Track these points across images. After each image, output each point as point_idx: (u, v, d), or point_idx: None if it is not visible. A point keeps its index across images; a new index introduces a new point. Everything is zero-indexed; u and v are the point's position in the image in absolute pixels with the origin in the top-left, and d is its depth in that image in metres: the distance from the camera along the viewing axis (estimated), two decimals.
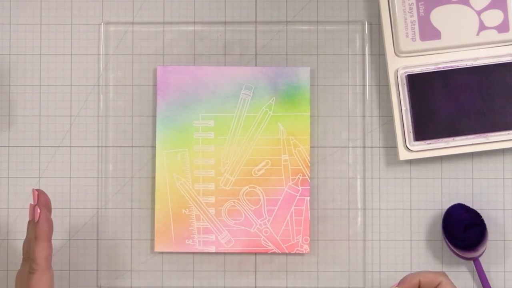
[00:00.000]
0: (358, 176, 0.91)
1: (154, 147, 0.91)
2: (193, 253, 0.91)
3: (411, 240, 0.90)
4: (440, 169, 0.91)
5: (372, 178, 0.91)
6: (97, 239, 0.91)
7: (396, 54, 0.89)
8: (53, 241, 0.90)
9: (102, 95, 0.91)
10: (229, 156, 0.90)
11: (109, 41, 0.92)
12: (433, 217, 0.91)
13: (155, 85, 0.91)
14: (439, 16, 0.89)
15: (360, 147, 0.91)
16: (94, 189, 0.91)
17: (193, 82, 0.91)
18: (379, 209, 0.90)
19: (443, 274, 0.80)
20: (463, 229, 0.87)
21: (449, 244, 0.88)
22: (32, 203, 0.79)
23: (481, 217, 0.88)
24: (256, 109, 0.91)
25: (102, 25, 0.92)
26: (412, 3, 0.89)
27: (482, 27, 0.89)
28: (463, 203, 0.89)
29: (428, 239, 0.90)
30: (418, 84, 0.89)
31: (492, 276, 0.90)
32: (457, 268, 0.90)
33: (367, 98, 0.91)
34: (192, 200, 0.90)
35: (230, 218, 0.90)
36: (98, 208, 0.91)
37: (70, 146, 0.91)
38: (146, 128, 0.91)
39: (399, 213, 0.91)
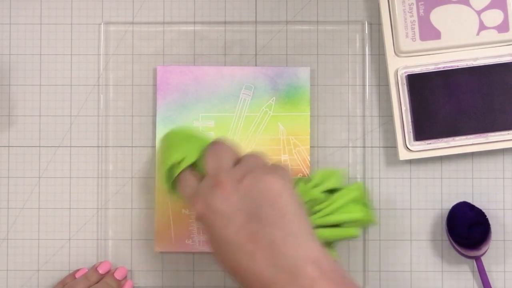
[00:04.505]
0: (358, 176, 0.91)
1: (154, 147, 0.91)
2: (193, 253, 0.91)
3: (411, 240, 0.90)
4: (440, 169, 0.91)
5: (372, 178, 0.91)
6: (97, 239, 0.91)
7: (396, 54, 0.89)
8: (53, 241, 0.91)
9: (102, 95, 0.91)
10: None
11: (109, 41, 0.92)
12: (433, 217, 0.90)
13: (155, 85, 0.91)
14: (439, 16, 0.89)
15: (360, 147, 0.91)
16: (94, 189, 0.91)
17: (193, 82, 0.90)
18: (379, 209, 0.90)
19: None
20: (467, 227, 0.87)
21: (452, 242, 0.88)
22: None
23: (485, 216, 0.88)
24: (256, 109, 0.90)
25: (102, 25, 0.92)
26: (412, 3, 0.89)
27: (482, 27, 0.89)
28: None
29: (428, 239, 0.90)
30: (418, 84, 0.89)
31: (493, 276, 0.90)
32: (458, 268, 0.90)
33: (367, 98, 0.91)
34: None
35: None
36: (98, 208, 0.91)
37: (70, 146, 0.91)
38: (146, 128, 0.91)
39: (399, 213, 0.91)
